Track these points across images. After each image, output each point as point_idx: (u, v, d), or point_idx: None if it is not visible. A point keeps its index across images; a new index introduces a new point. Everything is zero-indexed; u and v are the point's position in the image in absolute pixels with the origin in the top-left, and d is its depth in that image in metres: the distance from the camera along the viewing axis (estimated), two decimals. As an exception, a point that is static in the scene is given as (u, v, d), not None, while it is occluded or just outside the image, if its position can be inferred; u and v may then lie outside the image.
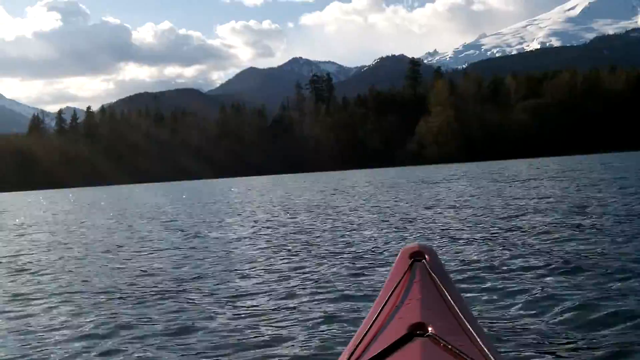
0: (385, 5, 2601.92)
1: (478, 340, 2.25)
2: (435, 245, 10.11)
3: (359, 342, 2.35)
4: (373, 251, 10.41)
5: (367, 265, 9.07)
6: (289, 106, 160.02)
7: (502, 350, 4.76)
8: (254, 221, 18.71)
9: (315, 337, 5.51)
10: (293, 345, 5.33)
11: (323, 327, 5.80)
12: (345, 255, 10.09)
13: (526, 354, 4.79)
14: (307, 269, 9.08)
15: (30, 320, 6.94)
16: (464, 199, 21.29)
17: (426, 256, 2.75)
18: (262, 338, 5.61)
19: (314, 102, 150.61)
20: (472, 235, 11.38)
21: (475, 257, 8.90)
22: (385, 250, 10.34)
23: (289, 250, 11.42)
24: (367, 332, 2.40)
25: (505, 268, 8.00)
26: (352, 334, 2.63)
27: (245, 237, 14.31)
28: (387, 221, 15.49)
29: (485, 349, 2.20)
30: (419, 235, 12.34)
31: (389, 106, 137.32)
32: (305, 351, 5.17)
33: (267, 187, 53.05)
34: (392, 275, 2.75)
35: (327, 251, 10.80)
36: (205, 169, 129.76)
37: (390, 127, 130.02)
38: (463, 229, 12.62)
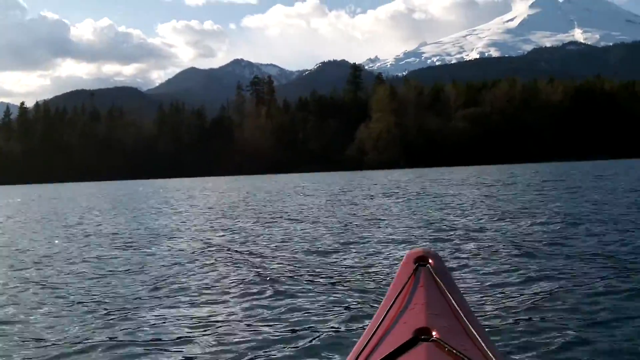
0: (328, 10, 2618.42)
1: (483, 344, 2.26)
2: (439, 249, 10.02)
3: (364, 347, 2.35)
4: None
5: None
6: (229, 108, 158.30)
7: (507, 353, 4.86)
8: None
9: (320, 342, 5.49)
10: (298, 350, 5.32)
11: (327, 332, 5.75)
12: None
13: (530, 358, 4.85)
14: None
15: None
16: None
17: (430, 261, 2.79)
18: (266, 343, 5.55)
19: (254, 104, 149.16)
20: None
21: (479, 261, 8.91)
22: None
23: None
24: (371, 336, 2.41)
25: (508, 272, 8.04)
26: (357, 338, 2.58)
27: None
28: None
29: (490, 354, 2.22)
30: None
31: (330, 110, 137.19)
32: (310, 356, 5.19)
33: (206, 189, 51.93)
34: (396, 279, 2.78)
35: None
36: (142, 169, 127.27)
37: (330, 131, 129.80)
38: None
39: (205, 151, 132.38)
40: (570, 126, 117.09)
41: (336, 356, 5.10)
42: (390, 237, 12.41)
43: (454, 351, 2.18)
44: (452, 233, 12.43)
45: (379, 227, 14.35)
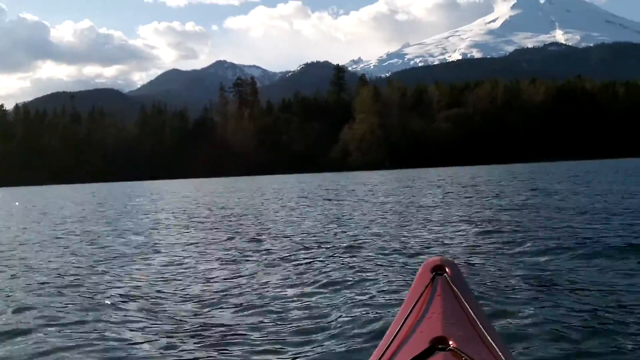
0: (311, 12, 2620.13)
1: (500, 354, 2.25)
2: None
3: (381, 356, 2.34)
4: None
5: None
6: (212, 109, 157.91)
7: None
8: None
9: (336, 351, 5.41)
10: (312, 359, 5.27)
11: (343, 341, 5.64)
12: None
13: None
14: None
15: None
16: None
17: (447, 270, 2.78)
18: (280, 352, 5.49)
19: (237, 106, 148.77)
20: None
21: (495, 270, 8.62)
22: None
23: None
24: (389, 345, 2.40)
25: (526, 280, 7.76)
26: (374, 347, 2.57)
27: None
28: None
29: None
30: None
31: (313, 112, 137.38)
32: None
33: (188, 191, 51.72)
34: (413, 288, 2.77)
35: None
36: (123, 171, 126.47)
37: (314, 132, 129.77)
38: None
39: (187, 153, 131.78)
40: (552, 126, 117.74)
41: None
42: (407, 243, 12.01)
43: None
44: (468, 239, 12.11)
45: (392, 234, 13.86)
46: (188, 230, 16.76)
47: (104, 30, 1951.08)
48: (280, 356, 5.38)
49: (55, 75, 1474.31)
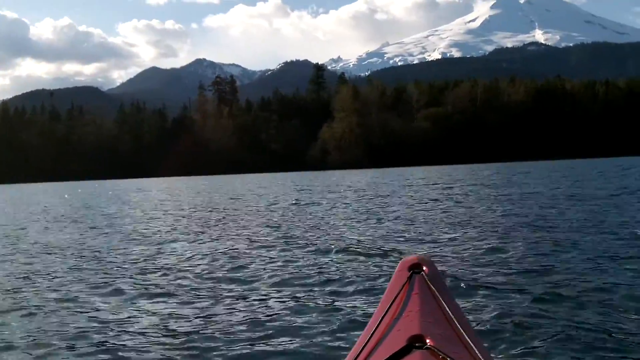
0: (290, 11, 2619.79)
1: (476, 351, 2.26)
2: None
3: (358, 354, 2.35)
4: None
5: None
6: (191, 107, 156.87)
7: None
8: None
9: (313, 349, 5.44)
10: (290, 358, 5.30)
11: (320, 340, 5.68)
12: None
13: None
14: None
15: None
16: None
17: (425, 268, 2.79)
18: (256, 352, 5.51)
19: (216, 104, 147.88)
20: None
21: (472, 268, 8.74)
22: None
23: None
24: (366, 343, 2.41)
25: (503, 278, 7.90)
26: (351, 346, 2.62)
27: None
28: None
29: None
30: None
31: (292, 110, 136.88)
32: None
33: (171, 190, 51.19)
34: (391, 286, 2.78)
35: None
36: (102, 169, 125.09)
37: (293, 131, 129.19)
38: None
39: (166, 151, 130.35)
40: (532, 126, 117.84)
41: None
42: (384, 241, 12.12)
43: (448, 358, 2.17)
44: (444, 239, 12.17)
45: (369, 231, 13.98)
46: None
47: (83, 27, 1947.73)
48: (257, 355, 5.43)
49: (34, 73, 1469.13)
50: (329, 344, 5.57)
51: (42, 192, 58.26)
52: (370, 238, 12.73)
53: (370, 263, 9.60)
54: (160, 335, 6.10)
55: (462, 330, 2.38)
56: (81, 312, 7.15)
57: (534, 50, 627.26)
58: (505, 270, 8.34)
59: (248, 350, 5.55)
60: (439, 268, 2.91)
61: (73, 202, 35.76)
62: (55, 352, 5.73)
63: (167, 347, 5.74)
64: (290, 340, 5.74)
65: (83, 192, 53.02)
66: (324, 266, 9.57)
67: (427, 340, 2.29)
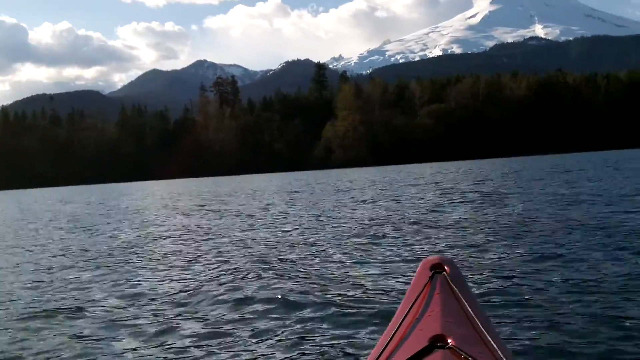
0: (290, 10, 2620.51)
1: (498, 351, 2.25)
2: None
3: (380, 354, 2.35)
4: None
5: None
6: (193, 109, 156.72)
7: None
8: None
9: (335, 350, 5.39)
10: (312, 356, 5.28)
11: (342, 340, 5.63)
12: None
13: None
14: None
15: None
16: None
17: (446, 268, 2.80)
18: (278, 352, 5.44)
19: (218, 105, 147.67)
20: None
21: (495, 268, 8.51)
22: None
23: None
24: (387, 343, 2.40)
25: (527, 279, 7.61)
26: (373, 346, 2.60)
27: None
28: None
29: None
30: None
31: (295, 110, 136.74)
32: None
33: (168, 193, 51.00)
34: (412, 287, 2.78)
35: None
36: (104, 173, 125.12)
37: (296, 131, 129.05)
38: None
39: (168, 153, 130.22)
40: (535, 120, 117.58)
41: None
42: (405, 242, 11.80)
43: (470, 358, 2.17)
44: (466, 239, 11.75)
45: (390, 232, 13.62)
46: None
47: (82, 31, 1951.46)
48: (280, 353, 5.38)
49: (34, 78, 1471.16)
50: (351, 343, 5.53)
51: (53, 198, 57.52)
52: (391, 237, 12.54)
53: (391, 263, 9.42)
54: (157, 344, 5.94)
55: (484, 331, 2.38)
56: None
57: (535, 45, 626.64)
58: (531, 273, 8.02)
59: (268, 348, 5.54)
60: (460, 269, 2.87)
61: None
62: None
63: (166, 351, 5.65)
64: (312, 340, 5.70)
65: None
66: (344, 263, 9.52)
67: (449, 340, 2.29)
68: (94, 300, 7.95)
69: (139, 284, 8.85)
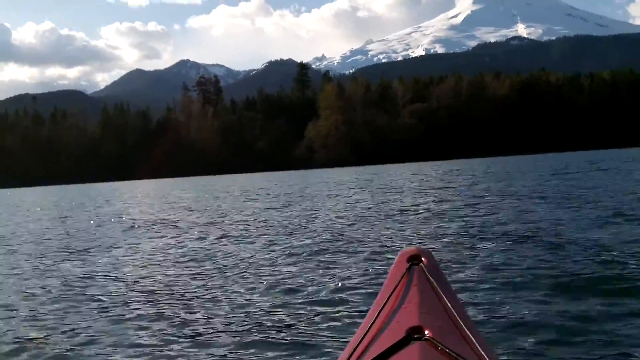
0: (273, 10, 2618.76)
1: (475, 343, 2.27)
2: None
3: (357, 346, 2.35)
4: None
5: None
6: (175, 109, 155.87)
7: (500, 352, 4.78)
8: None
9: (312, 340, 5.46)
10: (289, 350, 5.29)
11: (319, 332, 5.71)
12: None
13: (523, 357, 4.83)
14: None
15: None
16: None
17: (424, 259, 2.79)
18: (255, 343, 5.53)
19: (201, 105, 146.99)
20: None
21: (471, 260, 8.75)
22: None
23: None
24: (364, 335, 2.41)
25: (502, 270, 7.83)
26: (350, 337, 2.66)
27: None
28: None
29: (483, 352, 2.23)
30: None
31: (277, 110, 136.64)
32: (302, 355, 5.18)
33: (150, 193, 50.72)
34: (389, 278, 2.77)
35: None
36: (86, 173, 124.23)
37: (279, 130, 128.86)
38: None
39: (150, 153, 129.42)
40: (517, 120, 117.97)
41: (329, 355, 5.08)
42: (383, 235, 12.17)
43: (447, 350, 2.17)
44: (445, 231, 12.19)
45: (368, 226, 13.98)
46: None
47: (65, 31, 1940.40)
48: (255, 346, 5.45)
49: (17, 78, 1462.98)
50: (328, 335, 5.58)
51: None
52: (369, 231, 12.83)
53: (369, 255, 9.62)
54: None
55: (461, 322, 2.38)
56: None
57: (517, 45, 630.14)
58: (507, 264, 8.24)
59: (245, 343, 5.56)
60: (438, 260, 2.87)
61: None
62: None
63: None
64: (288, 333, 5.76)
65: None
66: (320, 258, 9.69)
67: (426, 332, 2.29)
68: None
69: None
